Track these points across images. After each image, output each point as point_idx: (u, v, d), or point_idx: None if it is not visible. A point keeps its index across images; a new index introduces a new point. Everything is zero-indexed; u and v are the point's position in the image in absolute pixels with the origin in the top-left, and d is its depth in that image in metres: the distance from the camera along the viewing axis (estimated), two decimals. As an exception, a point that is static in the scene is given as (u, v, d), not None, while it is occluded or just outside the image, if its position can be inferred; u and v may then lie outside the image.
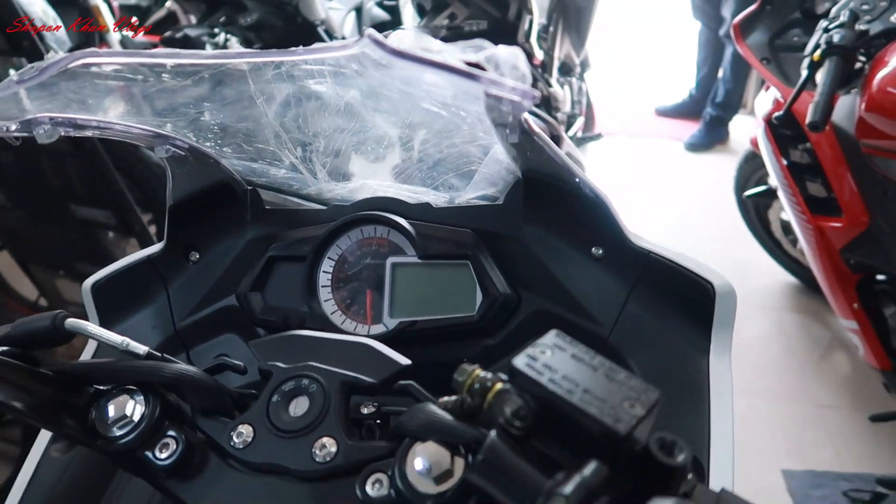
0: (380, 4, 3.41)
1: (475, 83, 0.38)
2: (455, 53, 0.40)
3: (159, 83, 0.54)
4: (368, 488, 0.46)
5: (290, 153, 0.72)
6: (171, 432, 0.50)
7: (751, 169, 2.54)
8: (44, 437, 0.69)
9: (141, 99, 0.56)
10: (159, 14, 4.05)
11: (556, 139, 2.40)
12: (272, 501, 0.48)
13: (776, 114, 1.78)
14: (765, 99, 2.08)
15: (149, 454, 0.50)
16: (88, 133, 0.56)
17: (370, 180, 0.79)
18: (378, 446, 0.49)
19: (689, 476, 0.39)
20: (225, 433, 0.51)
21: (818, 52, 1.62)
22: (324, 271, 0.72)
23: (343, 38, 3.16)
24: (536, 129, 0.54)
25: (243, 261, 0.75)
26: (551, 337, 0.40)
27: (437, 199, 0.77)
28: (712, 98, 4.16)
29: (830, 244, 1.81)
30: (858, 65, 1.61)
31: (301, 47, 0.46)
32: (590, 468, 0.34)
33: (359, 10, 3.36)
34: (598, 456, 0.35)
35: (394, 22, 3.27)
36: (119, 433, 0.49)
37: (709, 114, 4.18)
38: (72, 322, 0.52)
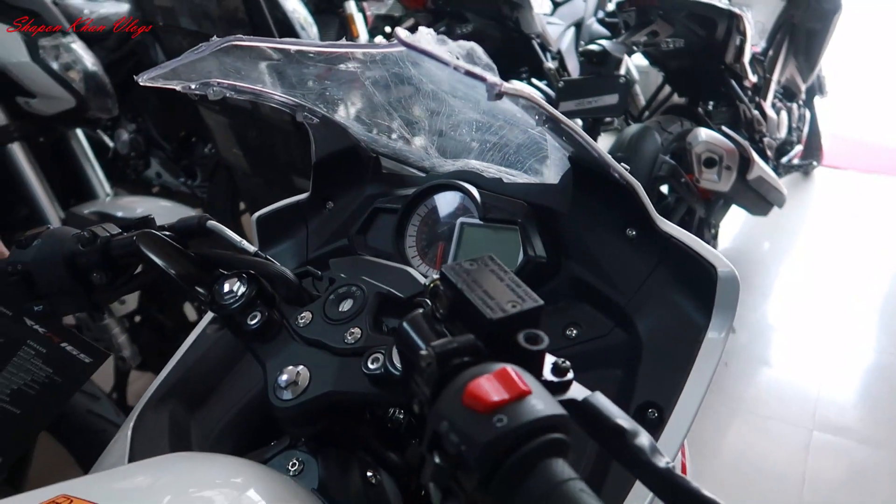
0: (601, 21, 3.51)
1: (449, 71, 0.53)
2: (440, 48, 0.54)
3: (293, 63, 0.75)
4: (369, 363, 0.63)
5: (403, 130, 0.91)
6: (259, 308, 0.71)
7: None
8: (206, 319, 0.95)
9: (282, 74, 0.78)
10: (407, 24, 4.52)
11: (745, 161, 2.36)
12: (311, 364, 0.67)
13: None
14: None
15: (243, 319, 0.71)
16: (245, 97, 0.80)
17: (473, 160, 0.96)
18: (387, 338, 0.65)
19: (569, 375, 0.50)
20: (294, 315, 0.71)
21: None
22: (412, 224, 0.90)
23: (558, 51, 3.32)
24: (558, 115, 0.66)
25: (360, 211, 0.95)
26: (486, 258, 0.54)
27: (521, 179, 0.91)
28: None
29: None
30: None
31: (366, 42, 0.63)
32: (463, 337, 0.47)
33: (578, 26, 3.50)
34: (477, 334, 0.48)
35: (612, 38, 3.35)
36: (227, 302, 0.71)
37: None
38: (211, 223, 0.76)
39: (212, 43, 0.68)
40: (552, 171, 0.88)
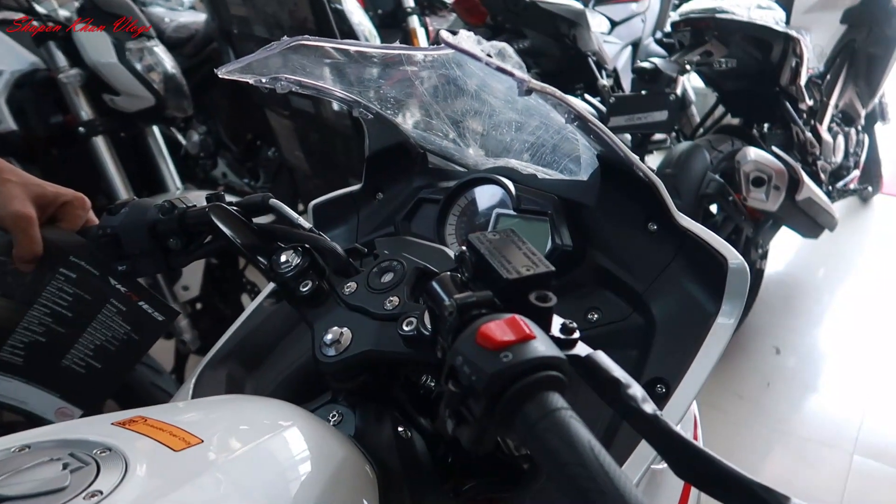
0: (658, 41, 3.55)
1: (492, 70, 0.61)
2: (476, 47, 0.62)
3: (352, 64, 0.85)
4: (404, 326, 0.71)
5: (449, 128, 0.99)
6: (310, 277, 0.80)
7: None
8: (264, 292, 1.05)
9: (343, 73, 0.87)
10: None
11: (795, 182, 2.37)
12: (353, 326, 0.75)
13: None
14: None
15: (296, 286, 0.80)
16: (308, 92, 0.89)
17: (513, 160, 1.04)
18: (422, 306, 0.73)
19: (575, 334, 0.57)
20: (341, 285, 0.80)
21: None
22: (453, 214, 0.98)
23: (614, 69, 3.37)
24: (584, 114, 0.74)
25: (407, 201, 1.04)
26: (508, 231, 0.61)
27: (556, 177, 0.98)
28: None
29: None
30: None
31: (412, 46, 0.72)
32: (481, 293, 0.55)
33: (636, 46, 3.54)
34: (494, 291, 0.56)
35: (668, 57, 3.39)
36: (283, 270, 0.81)
37: None
38: (273, 202, 0.85)
39: (283, 41, 0.78)
40: (584, 171, 0.95)
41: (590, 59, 3.13)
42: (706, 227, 0.84)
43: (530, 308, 0.55)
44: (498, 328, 0.49)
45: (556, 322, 0.57)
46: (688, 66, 2.44)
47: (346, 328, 0.75)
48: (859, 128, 3.32)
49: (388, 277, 0.79)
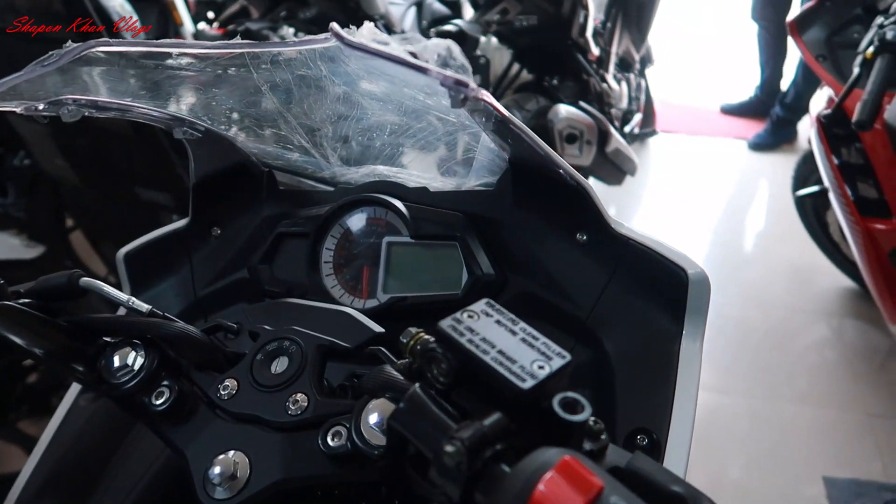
0: (441, -1, 3.45)
1: (420, 74, 0.42)
2: (398, 46, 0.44)
3: (171, 70, 0.60)
4: (329, 439, 0.51)
5: (301, 138, 0.78)
6: (166, 382, 0.56)
7: (809, 169, 2.48)
8: (75, 388, 0.77)
9: (157, 84, 0.63)
10: (232, 9, 4.19)
11: (604, 134, 2.41)
12: (248, 447, 0.54)
13: (825, 112, 1.74)
14: (820, 97, 2.04)
15: (146, 400, 0.56)
16: (110, 114, 0.63)
17: (381, 166, 0.84)
18: (343, 403, 0.54)
19: (603, 436, 0.42)
20: (213, 385, 0.57)
21: (870, 50, 1.58)
22: (327, 248, 0.77)
23: (402, 31, 3.22)
24: (511, 118, 0.57)
25: (259, 236, 0.81)
26: (482, 304, 0.44)
27: (444, 184, 0.81)
28: (781, 98, 4.04)
29: (879, 246, 1.76)
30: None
31: (282, 41, 0.51)
32: (491, 418, 0.38)
33: (419, 5, 3.41)
34: (505, 409, 0.38)
35: (454, 16, 3.30)
36: (121, 380, 0.56)
37: (776, 114, 4.06)
38: (85, 280, 0.59)
39: (67, 51, 0.52)
40: (475, 175, 0.79)
41: (378, 23, 2.94)
42: None
43: (556, 423, 0.38)
44: (557, 489, 0.33)
45: None
46: (490, 27, 2.36)
47: (236, 452, 0.53)
48: (636, 72, 3.50)
49: (281, 366, 0.57)
